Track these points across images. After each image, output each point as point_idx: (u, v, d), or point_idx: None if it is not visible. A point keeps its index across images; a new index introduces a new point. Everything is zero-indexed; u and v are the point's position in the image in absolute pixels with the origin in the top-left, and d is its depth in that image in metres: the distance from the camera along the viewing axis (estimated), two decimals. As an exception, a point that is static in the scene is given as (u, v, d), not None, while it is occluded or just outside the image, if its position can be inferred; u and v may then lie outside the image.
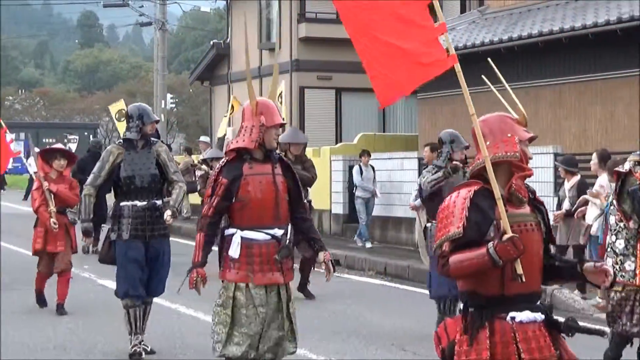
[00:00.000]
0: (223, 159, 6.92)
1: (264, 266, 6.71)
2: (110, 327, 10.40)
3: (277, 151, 11.50)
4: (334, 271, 7.14)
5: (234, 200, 6.69)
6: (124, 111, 15.87)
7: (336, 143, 25.87)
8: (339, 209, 22.19)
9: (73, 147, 42.76)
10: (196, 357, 9.24)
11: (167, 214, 8.78)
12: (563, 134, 18.06)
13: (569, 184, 13.05)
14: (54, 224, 11.00)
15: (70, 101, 67.79)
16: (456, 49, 19.39)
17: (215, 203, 6.67)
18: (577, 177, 12.97)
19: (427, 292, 13.34)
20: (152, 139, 9.13)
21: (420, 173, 16.26)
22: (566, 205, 12.93)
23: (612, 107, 17.26)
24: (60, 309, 11.34)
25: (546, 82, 18.61)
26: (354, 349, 9.56)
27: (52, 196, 11.14)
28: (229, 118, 21.10)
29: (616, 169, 8.57)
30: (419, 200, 15.26)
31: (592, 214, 12.17)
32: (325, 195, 22.02)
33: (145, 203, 8.82)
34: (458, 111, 20.60)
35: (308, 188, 12.47)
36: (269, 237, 6.75)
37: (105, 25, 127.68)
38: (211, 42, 34.34)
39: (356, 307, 12.29)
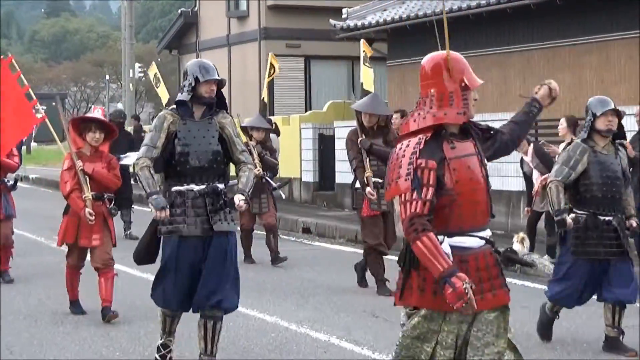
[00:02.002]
0: (417, 138, 4.65)
1: (483, 284, 4.66)
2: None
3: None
4: None
5: (437, 196, 4.62)
6: (158, 75, 15.60)
7: (306, 111, 25.82)
8: (309, 177, 22.23)
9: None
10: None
11: (239, 198, 6.80)
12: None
13: (528, 155, 13.04)
14: (90, 214, 8.67)
15: (38, 71, 67.29)
16: (424, 15, 19.44)
17: (430, 195, 4.54)
18: (530, 146, 13.06)
19: (396, 258, 13.39)
20: (217, 109, 7.14)
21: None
22: (535, 175, 12.94)
23: (580, 73, 17.31)
24: (109, 313, 9.03)
25: (516, 48, 18.62)
26: (325, 316, 9.54)
27: (87, 179, 8.79)
28: (269, 81, 18.43)
29: None
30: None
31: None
32: (296, 164, 22.03)
33: (204, 187, 6.90)
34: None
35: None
36: (482, 242, 4.75)
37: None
38: (179, 11, 34.14)
39: (327, 275, 12.30)
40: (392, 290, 9.66)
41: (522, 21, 18.14)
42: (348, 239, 15.98)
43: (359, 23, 21.96)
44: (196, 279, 6.84)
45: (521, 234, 13.09)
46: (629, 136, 12.46)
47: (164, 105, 14.81)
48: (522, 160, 13.56)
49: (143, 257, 7.15)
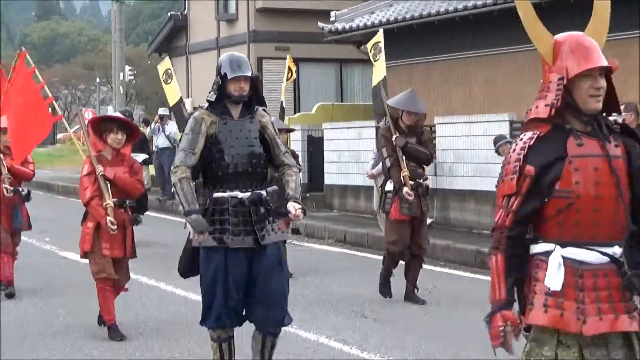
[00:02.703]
0: (526, 135, 4.01)
1: (602, 305, 3.90)
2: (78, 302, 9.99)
3: (387, 119, 10.19)
4: None
5: (548, 199, 3.91)
6: (170, 71, 14.72)
7: (294, 113, 25.81)
8: (298, 178, 22.21)
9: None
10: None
11: (295, 207, 6.07)
12: (518, 103, 18.15)
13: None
14: (112, 223, 7.82)
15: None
16: (411, 18, 19.45)
17: (517, 205, 3.93)
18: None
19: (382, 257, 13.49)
20: (257, 106, 6.45)
21: (377, 142, 16.31)
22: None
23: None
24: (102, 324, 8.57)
25: (503, 50, 18.65)
26: (314, 317, 9.54)
27: (109, 185, 7.96)
28: (286, 85, 17.09)
29: None
30: (376, 168, 15.35)
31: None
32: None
33: (248, 194, 6.14)
34: (414, 79, 20.65)
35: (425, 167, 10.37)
36: (605, 259, 3.96)
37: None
38: (169, 14, 34.07)
39: (316, 275, 12.30)
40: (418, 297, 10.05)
41: (511, 23, 18.17)
42: (337, 240, 15.99)
43: (347, 26, 22.00)
44: (245, 292, 6.21)
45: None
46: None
47: (170, 105, 14.42)
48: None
49: (188, 271, 6.46)
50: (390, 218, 10.14)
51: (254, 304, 6.23)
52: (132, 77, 43.93)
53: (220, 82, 6.21)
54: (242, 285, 6.13)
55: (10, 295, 10.34)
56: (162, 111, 22.84)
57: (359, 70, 27.60)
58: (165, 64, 14.98)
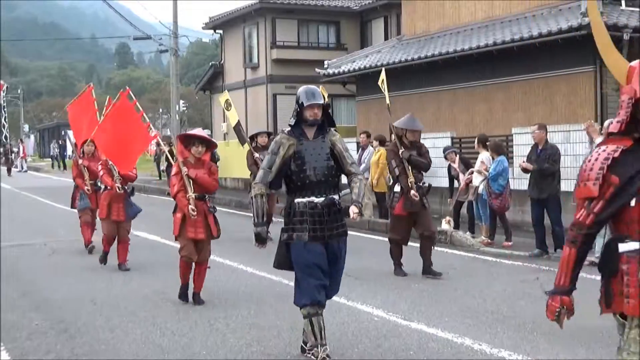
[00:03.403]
0: (609, 148, 3.33)
1: None
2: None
3: (393, 137, 9.67)
4: None
5: (635, 203, 3.26)
6: (229, 100, 13.95)
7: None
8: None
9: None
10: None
11: (354, 210, 5.70)
12: (457, 124, 18.14)
13: (455, 163, 13.26)
14: (192, 210, 7.63)
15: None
16: (381, 65, 19.45)
17: (599, 208, 3.35)
18: (457, 156, 13.30)
19: (364, 235, 13.46)
20: (328, 127, 5.98)
21: (357, 152, 16.28)
22: (461, 176, 13.03)
23: (491, 104, 17.35)
24: (199, 299, 7.95)
25: (446, 87, 18.64)
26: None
27: (191, 182, 7.77)
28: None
29: None
30: (361, 168, 15.31)
31: (477, 180, 12.28)
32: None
33: (322, 199, 5.72)
34: (384, 109, 20.58)
35: (423, 173, 9.71)
36: None
37: (135, 52, 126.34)
38: (210, 63, 34.00)
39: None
40: (406, 272, 9.49)
41: (451, 68, 18.16)
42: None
43: (336, 71, 22.02)
44: (326, 273, 5.74)
45: (448, 217, 13.14)
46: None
47: (233, 127, 13.54)
48: (449, 166, 13.64)
49: (282, 263, 5.91)
50: (394, 213, 9.62)
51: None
52: (184, 108, 43.96)
53: (298, 110, 5.78)
54: (326, 269, 5.69)
55: (126, 270, 10.00)
56: (206, 131, 22.76)
57: (345, 102, 27.57)
58: (224, 96, 14.25)
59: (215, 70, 31.73)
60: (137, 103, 9.62)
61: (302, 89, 5.89)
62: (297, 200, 5.72)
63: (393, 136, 9.70)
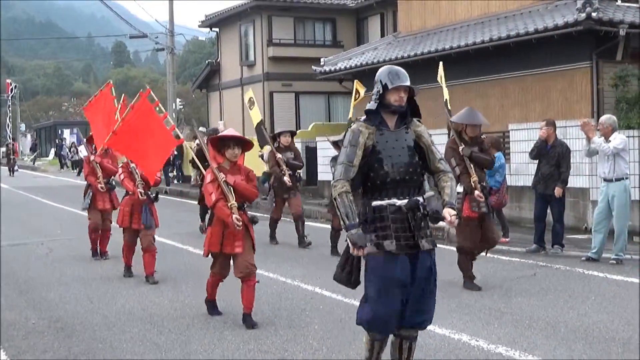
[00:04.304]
0: None
1: None
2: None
3: (452, 133, 8.59)
4: None
5: None
6: (252, 99, 13.10)
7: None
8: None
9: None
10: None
11: (450, 212, 4.65)
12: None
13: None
14: (237, 220, 6.60)
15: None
16: (377, 62, 19.45)
17: None
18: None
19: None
20: (412, 116, 4.87)
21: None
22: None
23: (487, 101, 17.35)
24: (250, 322, 6.79)
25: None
26: (312, 273, 9.46)
27: (231, 190, 6.73)
28: (354, 104, 13.71)
29: None
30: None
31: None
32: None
33: (406, 201, 4.67)
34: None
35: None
36: None
37: (132, 51, 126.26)
38: (207, 62, 33.98)
39: (315, 246, 12.19)
40: (479, 285, 8.35)
41: (448, 65, 18.12)
42: (327, 220, 15.86)
43: (332, 68, 21.99)
44: (404, 297, 4.69)
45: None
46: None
47: (255, 126, 12.61)
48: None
49: (344, 278, 4.90)
50: (463, 216, 8.25)
51: (407, 306, 4.73)
52: (181, 107, 43.90)
53: (381, 92, 4.73)
54: (405, 289, 4.65)
55: (154, 283, 8.90)
56: (201, 129, 22.74)
57: (341, 99, 27.58)
58: (249, 94, 13.38)
59: (211, 69, 31.70)
60: (160, 105, 8.67)
61: (384, 69, 4.84)
62: (374, 202, 4.68)
63: (452, 132, 8.74)
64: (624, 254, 9.99)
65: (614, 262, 9.80)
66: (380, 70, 4.84)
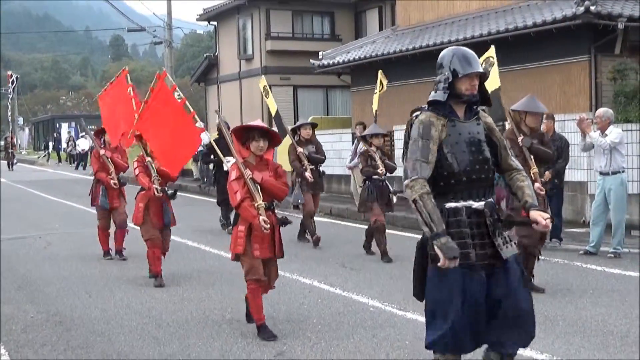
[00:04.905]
0: None
1: None
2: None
3: (507, 122, 7.94)
4: None
5: None
6: (267, 87, 12.51)
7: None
8: (297, 170, 22.23)
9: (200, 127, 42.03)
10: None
11: (543, 216, 3.93)
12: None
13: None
14: (265, 222, 5.94)
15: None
16: (375, 56, 19.43)
17: None
18: None
19: (358, 225, 13.49)
20: (476, 106, 4.17)
21: (353, 144, 16.27)
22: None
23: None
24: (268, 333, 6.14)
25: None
26: (310, 268, 9.47)
27: (258, 188, 6.05)
28: (378, 96, 13.16)
29: None
30: (353, 162, 15.29)
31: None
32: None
33: (482, 203, 4.02)
34: (381, 100, 20.54)
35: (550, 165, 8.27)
36: None
37: (130, 44, 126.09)
38: (205, 55, 33.91)
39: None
40: (536, 285, 7.68)
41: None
42: (325, 213, 15.92)
43: (331, 62, 21.94)
44: (483, 312, 3.95)
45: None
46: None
47: (272, 116, 12.10)
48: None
49: (420, 292, 4.11)
50: (523, 214, 8.01)
51: (497, 325, 3.97)
52: (179, 100, 43.95)
53: (450, 80, 4.05)
54: (484, 306, 3.94)
55: (160, 286, 8.33)
56: (199, 124, 22.72)
57: (340, 93, 27.56)
58: (262, 82, 12.84)
59: (209, 62, 31.65)
60: (177, 88, 7.87)
61: (448, 51, 4.14)
62: (447, 205, 3.99)
63: (508, 122, 8.08)
64: (622, 247, 10.00)
65: (612, 255, 9.82)
66: (443, 53, 4.16)
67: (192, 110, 7.76)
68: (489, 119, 4.22)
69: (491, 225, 3.99)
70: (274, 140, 6.20)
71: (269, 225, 5.96)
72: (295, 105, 27.80)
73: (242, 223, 6.14)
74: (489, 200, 4.06)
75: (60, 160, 44.70)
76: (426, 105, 4.15)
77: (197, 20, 31.41)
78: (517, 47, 16.12)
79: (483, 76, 4.14)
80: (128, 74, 9.48)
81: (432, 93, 4.10)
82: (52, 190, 22.77)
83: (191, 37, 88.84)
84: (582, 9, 13.76)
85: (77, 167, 37.32)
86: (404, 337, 6.10)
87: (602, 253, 9.94)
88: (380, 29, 25.68)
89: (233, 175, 6.10)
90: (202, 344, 6.00)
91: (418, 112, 4.15)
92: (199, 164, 22.08)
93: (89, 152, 38.60)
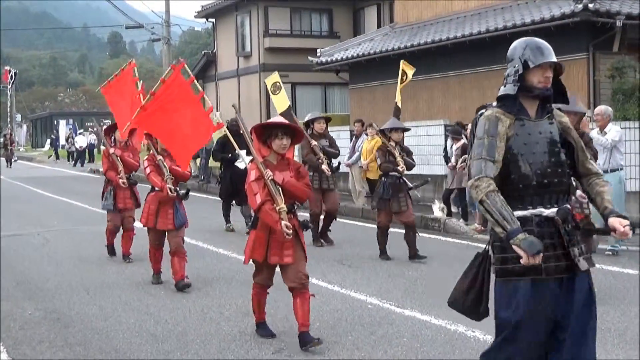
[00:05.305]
0: None
1: None
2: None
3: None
4: None
5: None
6: (278, 83, 12.02)
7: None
8: (295, 167, 22.23)
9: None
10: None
11: (622, 222, 3.53)
12: (450, 112, 18.12)
13: (456, 146, 13.10)
14: (287, 227, 5.54)
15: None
16: (374, 53, 19.42)
17: None
18: (462, 141, 13.00)
19: (357, 223, 13.48)
20: (550, 103, 3.75)
21: (351, 141, 16.24)
22: (453, 161, 13.00)
23: (484, 92, 17.34)
24: (310, 340, 5.72)
25: (439, 75, 18.61)
26: (308, 264, 9.44)
27: (280, 190, 5.64)
28: (401, 87, 12.26)
29: None
30: (351, 159, 15.29)
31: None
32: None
33: (555, 210, 3.60)
34: (377, 97, 20.59)
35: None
36: None
37: (128, 41, 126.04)
38: (202, 52, 33.91)
39: (308, 235, 12.13)
40: None
41: (444, 56, 18.11)
42: (322, 210, 15.85)
43: (329, 59, 21.96)
44: (552, 331, 3.59)
45: (442, 205, 13.17)
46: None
47: (279, 113, 11.27)
48: (445, 150, 13.60)
49: (468, 306, 3.76)
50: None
51: (562, 344, 3.59)
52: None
53: (521, 72, 3.66)
54: (550, 324, 3.58)
55: (184, 287, 7.91)
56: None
57: (338, 91, 27.55)
58: (273, 78, 12.28)
59: (207, 59, 31.66)
60: (195, 81, 7.41)
61: (520, 42, 3.77)
62: (516, 213, 3.55)
63: None
64: (620, 245, 10.01)
65: (610, 253, 9.82)
66: (514, 44, 3.78)
67: (210, 104, 7.42)
68: (565, 119, 3.80)
69: (565, 234, 3.59)
70: (296, 137, 5.85)
71: (291, 231, 5.57)
72: (294, 101, 27.79)
73: (262, 228, 5.73)
74: (564, 206, 3.64)
75: (58, 158, 44.65)
76: (493, 102, 3.83)
77: (195, 17, 31.40)
78: (515, 45, 16.13)
79: (559, 69, 3.74)
80: (136, 67, 9.14)
81: (502, 88, 3.74)
82: (50, 188, 22.74)
83: (189, 34, 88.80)
84: (580, 6, 13.78)
85: (75, 164, 37.28)
86: (402, 335, 6.11)
87: (600, 251, 9.94)
88: (379, 26, 25.69)
89: (252, 175, 5.70)
90: (200, 341, 6.00)
91: (484, 110, 3.82)
92: (197, 161, 22.05)
93: (86, 149, 38.80)
